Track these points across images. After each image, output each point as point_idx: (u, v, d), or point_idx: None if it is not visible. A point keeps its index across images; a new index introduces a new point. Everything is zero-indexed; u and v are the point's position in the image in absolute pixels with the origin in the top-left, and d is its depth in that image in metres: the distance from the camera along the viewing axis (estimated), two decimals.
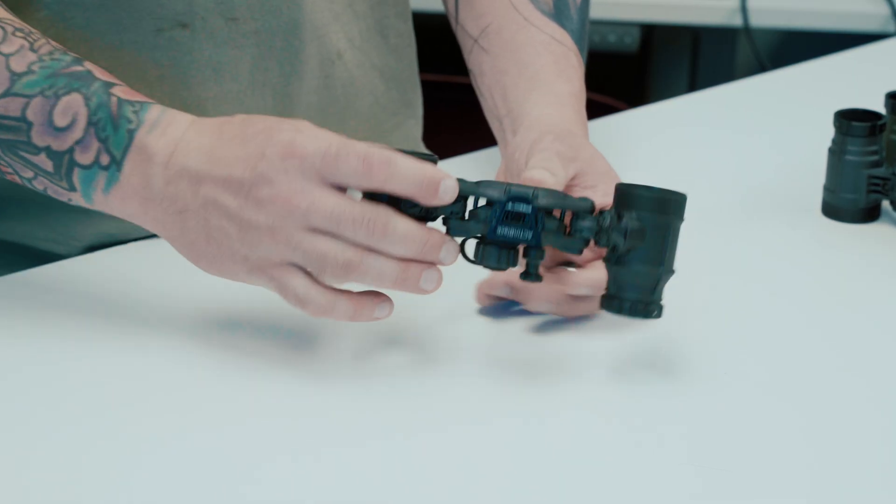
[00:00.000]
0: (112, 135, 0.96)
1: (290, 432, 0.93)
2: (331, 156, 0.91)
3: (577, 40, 1.20)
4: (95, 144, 0.97)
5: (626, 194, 0.94)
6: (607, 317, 1.04)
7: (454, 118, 2.35)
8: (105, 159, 0.97)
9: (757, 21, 2.20)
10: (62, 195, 1.00)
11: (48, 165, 0.98)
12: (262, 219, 0.92)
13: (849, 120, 1.20)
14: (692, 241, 1.09)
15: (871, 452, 0.92)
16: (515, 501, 0.87)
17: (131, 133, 0.97)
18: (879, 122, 1.20)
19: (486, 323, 1.04)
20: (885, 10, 2.17)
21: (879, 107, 1.25)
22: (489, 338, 1.03)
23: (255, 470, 0.89)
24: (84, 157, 0.97)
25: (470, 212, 0.94)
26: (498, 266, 0.95)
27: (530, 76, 1.16)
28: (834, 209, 1.23)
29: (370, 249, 0.92)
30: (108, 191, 0.98)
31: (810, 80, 1.58)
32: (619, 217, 0.94)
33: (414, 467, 0.90)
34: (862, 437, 0.93)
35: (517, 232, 0.94)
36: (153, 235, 1.17)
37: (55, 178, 0.99)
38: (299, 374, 0.99)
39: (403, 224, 0.92)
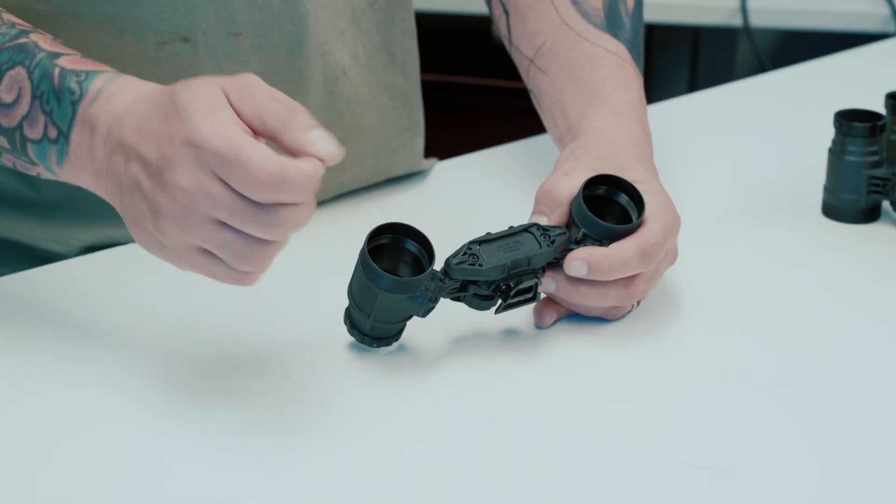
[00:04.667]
0: (56, 107, 0.95)
1: (288, 438, 0.93)
2: (227, 160, 0.87)
3: (632, 49, 1.20)
4: (41, 118, 0.95)
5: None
6: (605, 320, 1.05)
7: (454, 118, 2.35)
8: (53, 132, 0.95)
9: (757, 21, 2.19)
10: (30, 170, 0.99)
11: (4, 142, 0.97)
12: (168, 206, 0.89)
13: (849, 120, 1.20)
14: (692, 241, 1.09)
15: (872, 452, 0.92)
16: (515, 501, 0.87)
17: (74, 105, 0.94)
18: (879, 123, 1.20)
19: (485, 325, 1.04)
20: (885, 10, 2.16)
21: (879, 107, 1.25)
22: (489, 339, 1.03)
23: (251, 469, 0.89)
24: (33, 132, 0.96)
25: (486, 295, 1.00)
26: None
27: (588, 92, 1.16)
28: (834, 209, 1.23)
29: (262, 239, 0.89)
30: (60, 164, 0.96)
31: (810, 80, 1.58)
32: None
33: (413, 472, 0.90)
34: (863, 437, 0.93)
35: (525, 292, 1.01)
36: None
37: (16, 154, 0.97)
38: (297, 376, 0.99)
39: (287, 214, 0.88)
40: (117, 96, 0.94)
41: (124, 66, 1.10)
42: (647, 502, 0.87)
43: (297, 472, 0.89)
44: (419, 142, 1.30)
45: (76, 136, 0.94)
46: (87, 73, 0.95)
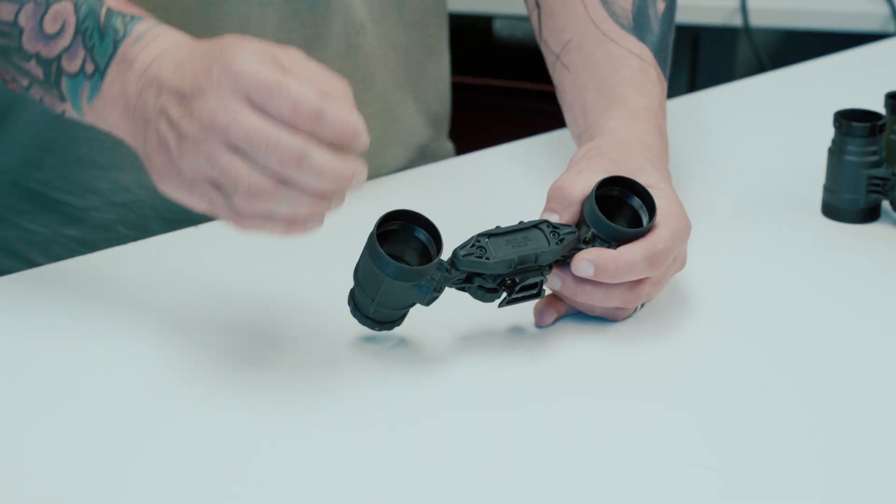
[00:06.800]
0: (98, 43, 0.97)
1: (285, 423, 0.93)
2: (264, 88, 0.89)
3: (657, 52, 1.19)
4: (82, 52, 0.97)
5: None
6: (607, 320, 1.05)
7: (455, 118, 2.35)
8: (90, 67, 0.97)
9: (757, 21, 2.19)
10: (56, 106, 1.00)
11: (39, 73, 0.99)
12: (190, 130, 0.91)
13: (848, 120, 1.20)
14: (692, 241, 1.09)
15: (874, 451, 0.92)
16: (512, 500, 0.87)
17: (116, 43, 0.97)
18: (879, 123, 1.20)
19: (489, 322, 1.04)
20: (885, 10, 2.16)
21: (879, 107, 1.25)
22: (493, 335, 1.03)
23: (254, 462, 0.89)
24: (71, 65, 0.98)
25: (490, 288, 1.00)
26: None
27: (608, 93, 1.16)
28: (834, 209, 1.23)
29: (284, 180, 0.89)
30: (91, 100, 0.98)
31: (810, 80, 1.58)
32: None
33: (410, 457, 0.90)
34: (864, 437, 0.93)
35: (530, 288, 1.01)
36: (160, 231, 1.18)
37: (47, 87, 0.99)
38: (296, 363, 0.99)
39: (320, 156, 0.89)
40: (160, 39, 0.97)
41: None
42: (646, 501, 0.87)
43: (301, 464, 0.89)
44: (413, 101, 1.30)
45: (112, 72, 0.97)
46: (132, 16, 0.98)
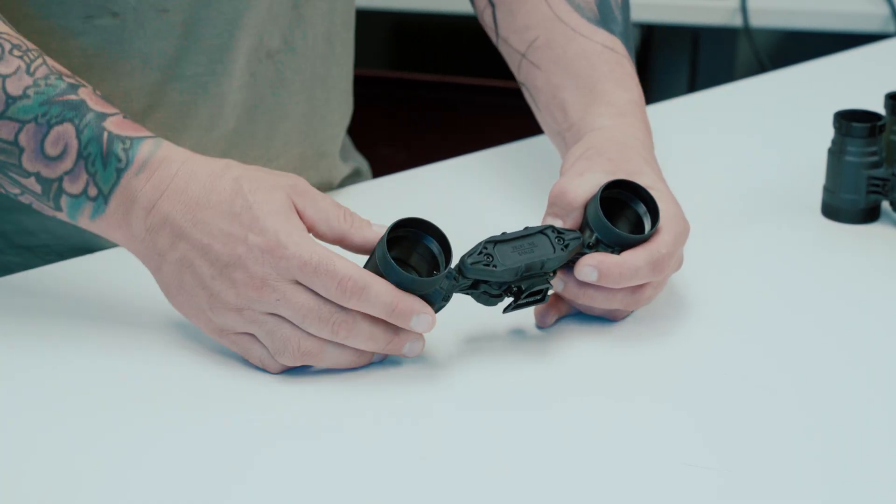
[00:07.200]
0: (101, 171, 0.98)
1: (285, 423, 0.93)
2: (309, 269, 0.94)
3: (625, 42, 1.19)
4: (84, 177, 0.98)
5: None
6: (607, 320, 1.05)
7: (454, 119, 2.35)
8: (93, 191, 0.99)
9: (757, 21, 2.20)
10: (47, 211, 1.01)
11: (37, 188, 1.00)
12: (231, 297, 0.96)
13: (848, 121, 1.20)
14: (692, 241, 1.09)
15: (874, 451, 0.92)
16: (513, 500, 0.87)
17: (119, 172, 0.98)
18: (879, 123, 1.20)
19: (493, 324, 1.04)
20: (885, 10, 2.17)
21: (879, 107, 1.25)
22: (497, 338, 1.03)
23: (254, 462, 0.89)
24: (73, 188, 0.99)
25: (496, 294, 1.00)
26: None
27: (588, 90, 1.15)
28: (834, 210, 1.23)
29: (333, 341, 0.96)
30: (93, 219, 1.00)
31: (810, 80, 1.58)
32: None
33: (410, 457, 0.90)
34: (864, 437, 0.93)
35: (535, 294, 1.01)
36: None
37: (43, 199, 1.00)
38: (305, 369, 0.99)
39: (368, 327, 0.96)
40: (162, 168, 0.98)
41: (50, 38, 1.09)
42: (646, 501, 0.87)
43: (301, 464, 0.89)
44: (334, 136, 1.29)
45: (115, 200, 0.98)
46: (132, 140, 0.99)
